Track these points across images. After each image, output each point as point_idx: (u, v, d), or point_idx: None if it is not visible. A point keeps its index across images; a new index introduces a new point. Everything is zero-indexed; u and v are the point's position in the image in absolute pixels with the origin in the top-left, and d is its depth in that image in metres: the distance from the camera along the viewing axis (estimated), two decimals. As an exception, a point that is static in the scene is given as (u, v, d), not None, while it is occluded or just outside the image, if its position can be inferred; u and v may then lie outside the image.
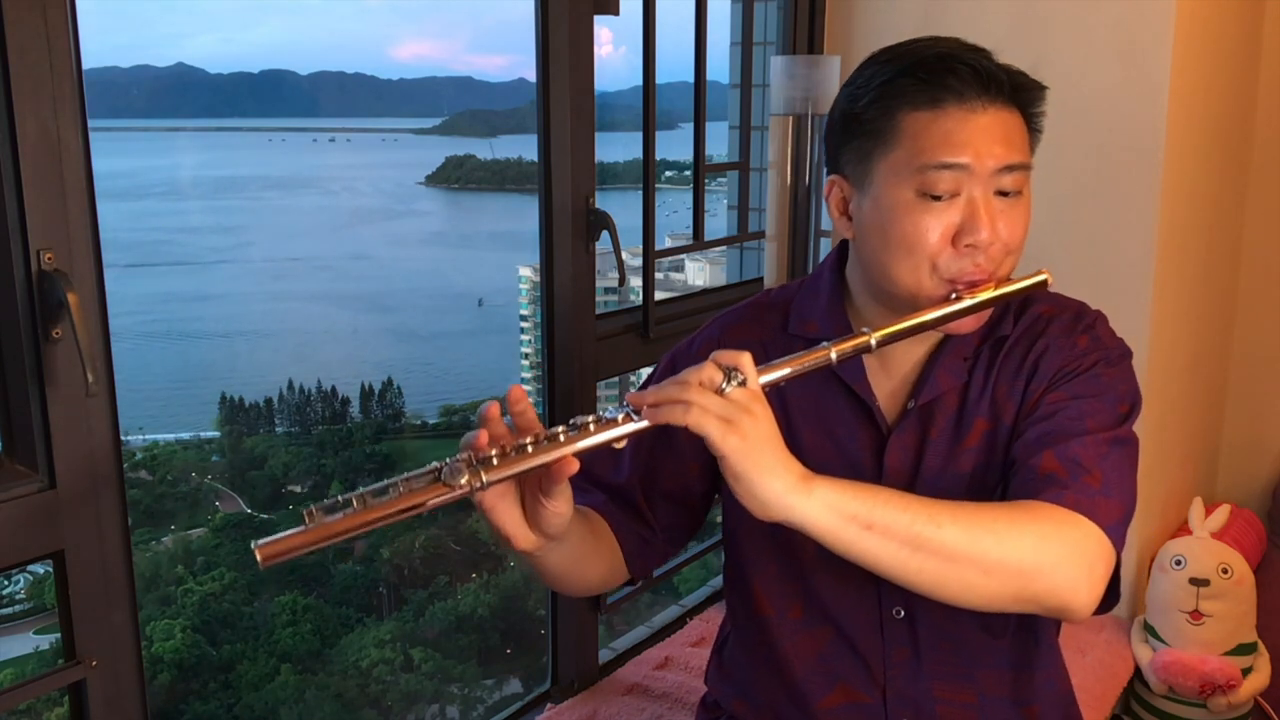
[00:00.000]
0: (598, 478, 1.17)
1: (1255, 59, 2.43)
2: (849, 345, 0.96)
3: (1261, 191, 2.48)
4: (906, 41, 1.07)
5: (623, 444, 0.90)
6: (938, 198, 1.01)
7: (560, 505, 0.92)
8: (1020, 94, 1.03)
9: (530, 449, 0.86)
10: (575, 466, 0.88)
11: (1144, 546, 2.24)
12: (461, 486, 0.84)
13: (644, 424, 0.89)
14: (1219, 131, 2.29)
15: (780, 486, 0.88)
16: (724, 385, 0.89)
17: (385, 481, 0.84)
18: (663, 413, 0.88)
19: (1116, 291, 2.06)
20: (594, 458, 1.12)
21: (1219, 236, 2.41)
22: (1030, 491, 0.99)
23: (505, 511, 0.92)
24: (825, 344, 0.95)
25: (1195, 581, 2.09)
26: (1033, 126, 1.06)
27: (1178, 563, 2.13)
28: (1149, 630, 2.19)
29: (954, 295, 1.02)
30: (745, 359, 0.90)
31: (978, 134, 1.00)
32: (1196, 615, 2.09)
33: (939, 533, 0.91)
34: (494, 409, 0.89)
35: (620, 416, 0.89)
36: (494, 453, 0.86)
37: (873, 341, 0.97)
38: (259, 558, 0.80)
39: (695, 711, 1.37)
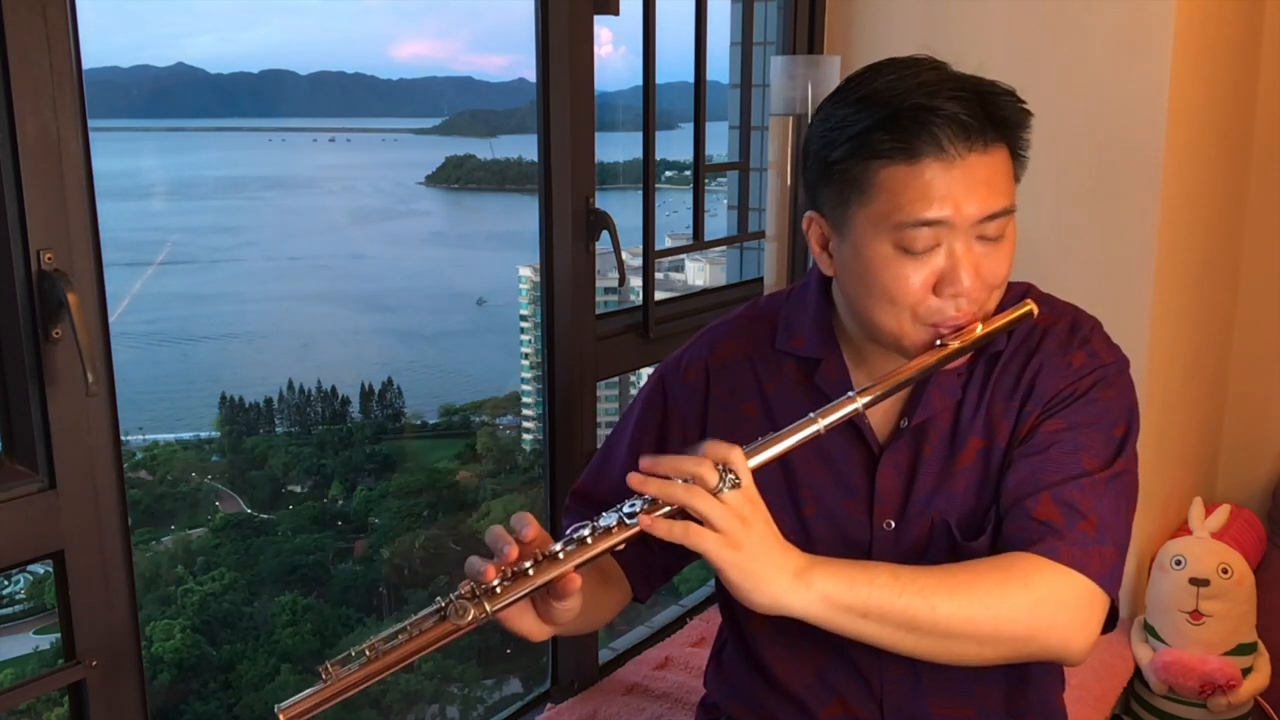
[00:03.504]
0: (599, 501, 1.16)
1: (1255, 59, 2.43)
2: (837, 415, 0.96)
3: (1261, 192, 2.48)
4: (884, 71, 0.99)
5: (622, 547, 0.91)
6: (917, 252, 0.98)
7: (569, 603, 0.93)
8: (1004, 128, 0.99)
9: (530, 571, 0.88)
10: (578, 583, 0.89)
11: (1144, 546, 2.24)
12: (468, 624, 0.86)
13: (638, 529, 0.90)
14: (1219, 131, 2.29)
15: (776, 590, 0.90)
16: (720, 486, 0.89)
17: (394, 628, 0.86)
18: (659, 526, 0.89)
19: (1116, 292, 2.06)
20: (594, 481, 1.11)
21: (1219, 237, 2.41)
22: (1025, 539, 0.99)
23: (518, 618, 0.93)
24: (813, 414, 0.95)
25: (1195, 581, 2.09)
26: (1018, 153, 1.01)
27: (1178, 563, 2.13)
28: (1149, 630, 2.19)
29: (940, 342, 1.01)
30: (735, 455, 0.90)
31: (957, 186, 0.96)
32: (1196, 615, 2.09)
33: (933, 614, 0.92)
34: (500, 536, 0.90)
35: (614, 523, 0.90)
36: (496, 582, 0.87)
37: (860, 405, 0.97)
38: None
39: (695, 712, 1.37)
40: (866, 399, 0.97)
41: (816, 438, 0.95)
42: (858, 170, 0.99)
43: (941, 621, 0.92)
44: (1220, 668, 2.07)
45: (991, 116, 0.97)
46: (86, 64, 1.17)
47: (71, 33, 1.15)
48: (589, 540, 0.90)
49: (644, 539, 1.16)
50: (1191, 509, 2.21)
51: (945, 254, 0.98)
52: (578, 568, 0.89)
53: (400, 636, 0.85)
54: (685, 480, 0.89)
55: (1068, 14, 2.08)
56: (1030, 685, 1.17)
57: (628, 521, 0.90)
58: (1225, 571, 2.10)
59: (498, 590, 0.87)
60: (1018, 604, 0.95)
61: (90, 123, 1.19)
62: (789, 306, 1.18)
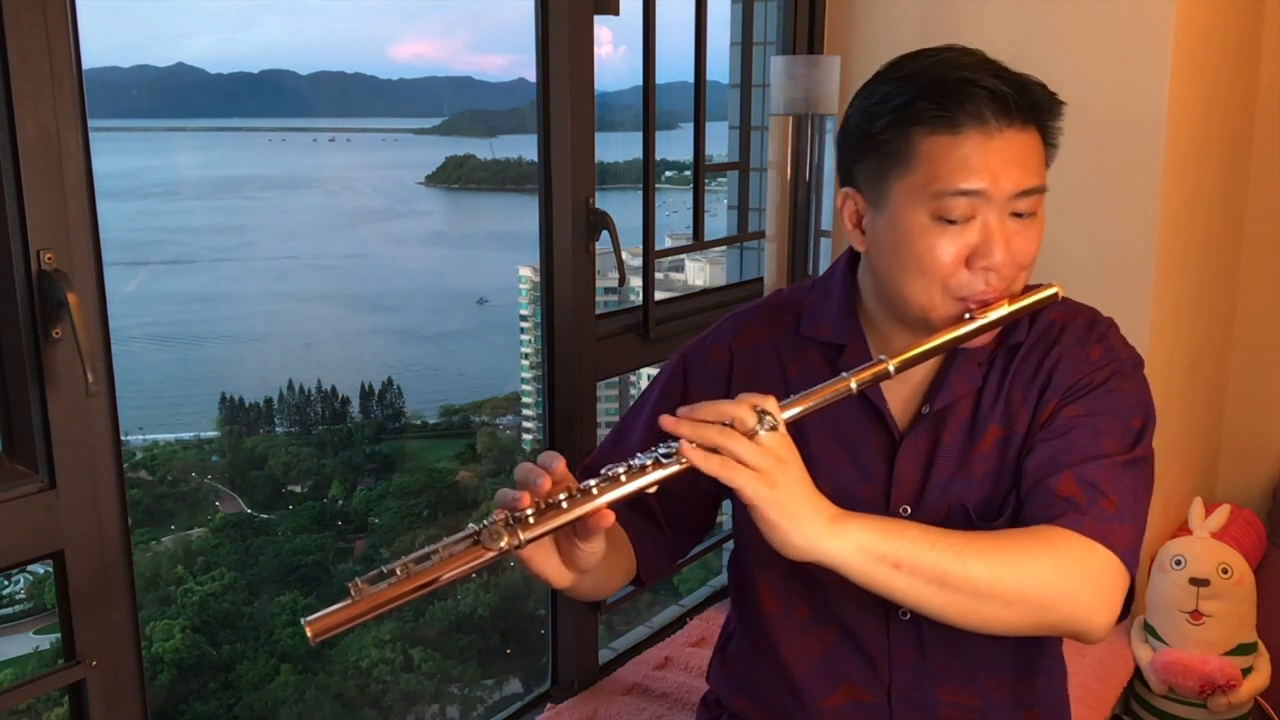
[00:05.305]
0: None
1: (1255, 59, 2.43)
2: (868, 374, 0.97)
3: (1261, 191, 2.48)
4: (925, 55, 1.05)
5: (654, 490, 0.91)
6: (953, 221, 1.01)
7: (595, 545, 0.94)
8: (1039, 112, 1.03)
9: (564, 503, 0.88)
10: (611, 519, 0.90)
11: (1144, 546, 2.23)
12: (501, 549, 0.86)
13: (674, 469, 0.90)
14: (1219, 131, 2.29)
15: (812, 532, 0.91)
16: (757, 428, 0.90)
17: (426, 549, 0.86)
18: (697, 456, 0.89)
19: (1116, 292, 2.06)
20: (606, 456, 1.12)
21: (1219, 237, 2.41)
22: (1048, 515, 1.01)
23: (543, 560, 0.94)
24: (845, 375, 0.97)
25: (1195, 581, 2.09)
26: (1050, 142, 1.06)
27: (1178, 563, 2.13)
28: (1149, 630, 2.19)
29: (967, 315, 1.03)
30: (771, 402, 0.92)
31: (995, 158, 1.00)
32: (1196, 615, 2.09)
33: (964, 570, 0.93)
34: (531, 469, 0.91)
35: (650, 462, 0.90)
36: (529, 511, 0.87)
37: (891, 369, 0.98)
38: (309, 634, 0.81)
39: (696, 711, 1.37)
40: (896, 361, 0.98)
41: (847, 396, 0.96)
42: (899, 140, 1.02)
43: (972, 579, 0.93)
44: (1220, 668, 2.07)
45: (1028, 99, 1.02)
46: (86, 64, 1.17)
47: (71, 33, 1.15)
48: (622, 478, 0.89)
49: (652, 515, 1.19)
50: (1191, 509, 2.21)
51: (979, 227, 1.02)
52: (610, 505, 0.89)
53: (432, 557, 0.85)
54: (724, 424, 0.90)
55: (1068, 14, 2.08)
56: (1039, 674, 1.18)
57: (663, 460, 0.90)
58: (1225, 571, 2.10)
59: (531, 520, 0.87)
60: (1045, 569, 0.96)
61: (90, 123, 1.18)
62: (813, 295, 1.20)
